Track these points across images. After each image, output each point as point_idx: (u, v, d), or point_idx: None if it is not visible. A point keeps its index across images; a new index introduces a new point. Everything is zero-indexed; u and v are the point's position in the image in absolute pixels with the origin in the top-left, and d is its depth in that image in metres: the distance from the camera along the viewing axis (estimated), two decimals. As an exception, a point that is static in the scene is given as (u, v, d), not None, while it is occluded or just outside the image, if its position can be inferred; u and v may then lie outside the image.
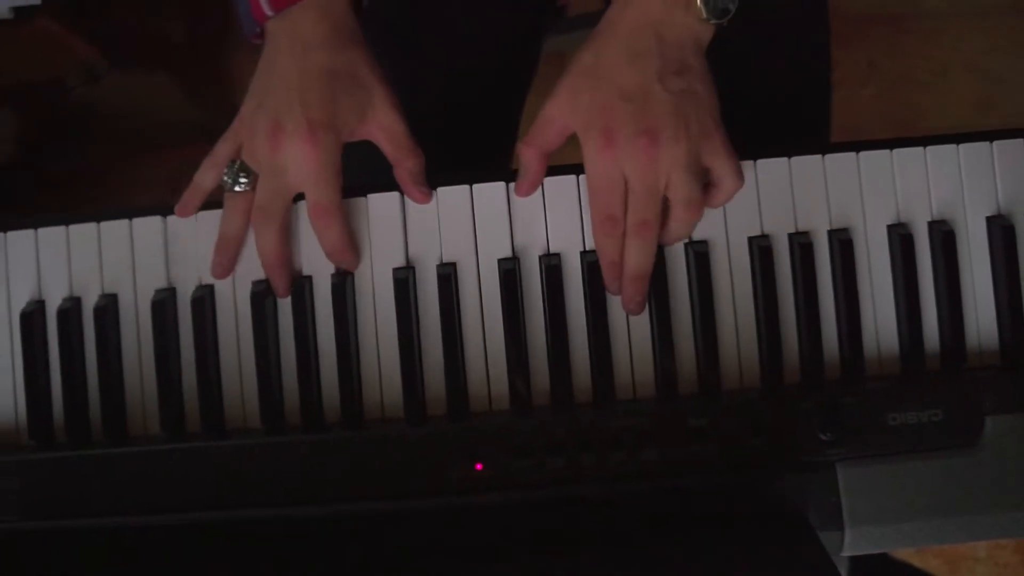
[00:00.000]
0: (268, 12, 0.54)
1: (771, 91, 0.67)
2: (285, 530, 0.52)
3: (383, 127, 0.55)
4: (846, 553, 0.51)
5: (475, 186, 0.55)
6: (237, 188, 0.54)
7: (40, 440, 0.55)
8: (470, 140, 0.74)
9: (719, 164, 0.52)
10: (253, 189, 0.54)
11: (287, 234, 0.54)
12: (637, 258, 0.52)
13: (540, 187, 0.55)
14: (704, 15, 0.51)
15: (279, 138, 0.52)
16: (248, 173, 0.54)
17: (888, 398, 0.52)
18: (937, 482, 0.51)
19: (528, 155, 0.54)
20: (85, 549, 0.52)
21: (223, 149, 0.55)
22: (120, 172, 1.10)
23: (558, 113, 0.53)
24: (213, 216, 0.56)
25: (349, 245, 0.54)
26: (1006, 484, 0.51)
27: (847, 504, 0.51)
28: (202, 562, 0.51)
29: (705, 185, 0.52)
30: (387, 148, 0.55)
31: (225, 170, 0.55)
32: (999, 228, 0.55)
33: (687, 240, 0.55)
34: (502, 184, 0.55)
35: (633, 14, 0.52)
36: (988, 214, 0.55)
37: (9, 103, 0.93)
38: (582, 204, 0.55)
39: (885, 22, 1.23)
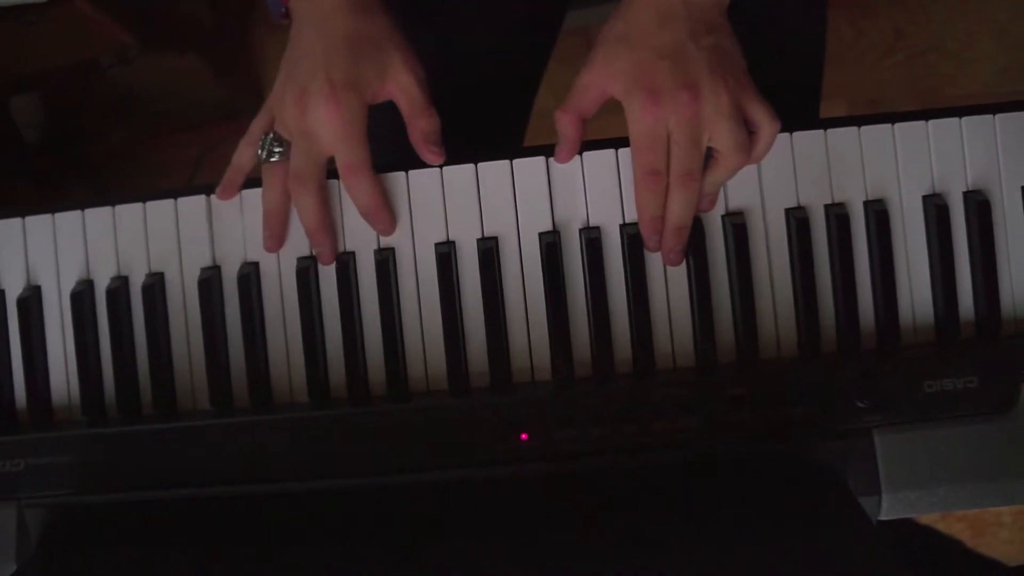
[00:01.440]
0: None
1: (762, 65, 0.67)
2: (326, 503, 0.53)
3: (401, 87, 0.56)
4: (884, 517, 0.52)
5: (515, 161, 0.56)
6: (272, 159, 0.55)
7: (92, 416, 0.56)
8: (489, 115, 0.75)
9: (756, 110, 0.53)
10: (288, 159, 0.55)
11: (325, 197, 0.55)
12: (682, 210, 0.53)
13: (580, 160, 0.55)
14: None
15: (305, 103, 0.54)
16: (281, 143, 0.55)
17: (924, 366, 0.53)
18: (972, 448, 0.52)
19: (566, 121, 0.55)
20: (139, 521, 0.53)
21: (257, 125, 0.57)
22: (151, 152, 1.11)
23: (596, 79, 0.54)
24: (255, 194, 0.57)
25: (383, 204, 0.55)
26: (1041, 448, 0.52)
27: (884, 470, 0.52)
28: (249, 533, 0.52)
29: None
30: (404, 108, 0.56)
31: (259, 144, 0.56)
32: (1033, 196, 0.55)
33: (724, 212, 0.55)
34: (542, 159, 0.56)
35: None
36: (1023, 183, 0.56)
37: (42, 85, 0.94)
38: (621, 178, 0.55)
39: (911, -9, 1.22)
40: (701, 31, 0.53)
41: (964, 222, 0.55)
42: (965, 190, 0.56)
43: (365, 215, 0.55)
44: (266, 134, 0.56)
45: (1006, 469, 0.52)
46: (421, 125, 0.55)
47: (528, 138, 0.78)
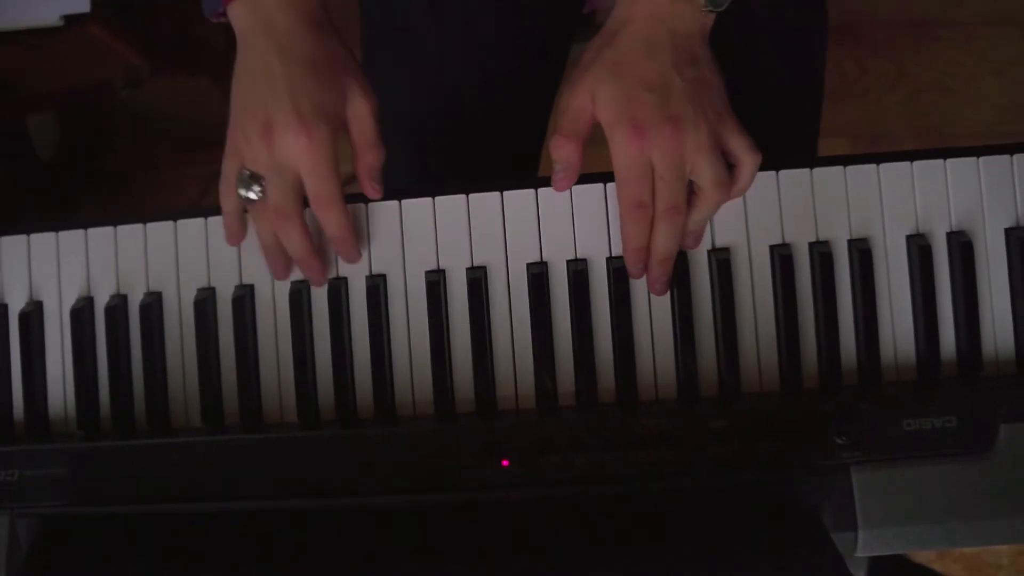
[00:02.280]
0: None
1: (762, 100, 0.68)
2: (309, 522, 0.54)
3: (357, 115, 0.55)
4: (860, 554, 0.53)
5: (506, 193, 0.57)
6: (252, 196, 0.54)
7: (88, 430, 0.58)
8: (499, 147, 0.76)
9: (736, 143, 0.53)
10: (265, 196, 0.54)
11: (306, 227, 0.55)
12: (666, 242, 0.54)
13: (570, 194, 0.57)
14: (704, 5, 0.53)
15: (272, 137, 0.53)
16: (258, 179, 0.54)
17: (903, 404, 0.53)
18: (950, 487, 0.53)
19: (569, 148, 0.55)
20: (129, 535, 0.54)
21: (228, 167, 0.56)
22: (162, 170, 1.14)
23: (586, 105, 0.54)
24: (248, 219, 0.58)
25: (351, 235, 0.55)
26: (1019, 490, 0.53)
27: (861, 506, 0.52)
28: (233, 549, 0.53)
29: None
30: (355, 137, 0.56)
31: (237, 186, 0.55)
32: (1017, 240, 0.56)
33: (711, 247, 0.56)
34: (532, 191, 0.57)
35: (642, 10, 0.54)
36: (1007, 226, 0.56)
37: (56, 105, 0.97)
38: (609, 212, 0.57)
39: (916, 29, 1.24)
40: (685, 62, 0.53)
41: (947, 262, 0.56)
42: (949, 231, 0.56)
43: (334, 243, 0.56)
44: (241, 172, 0.55)
45: (983, 509, 0.53)
46: (368, 160, 0.56)
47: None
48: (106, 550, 0.54)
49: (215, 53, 1.00)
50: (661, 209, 0.54)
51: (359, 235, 0.57)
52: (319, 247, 0.57)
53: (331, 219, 0.55)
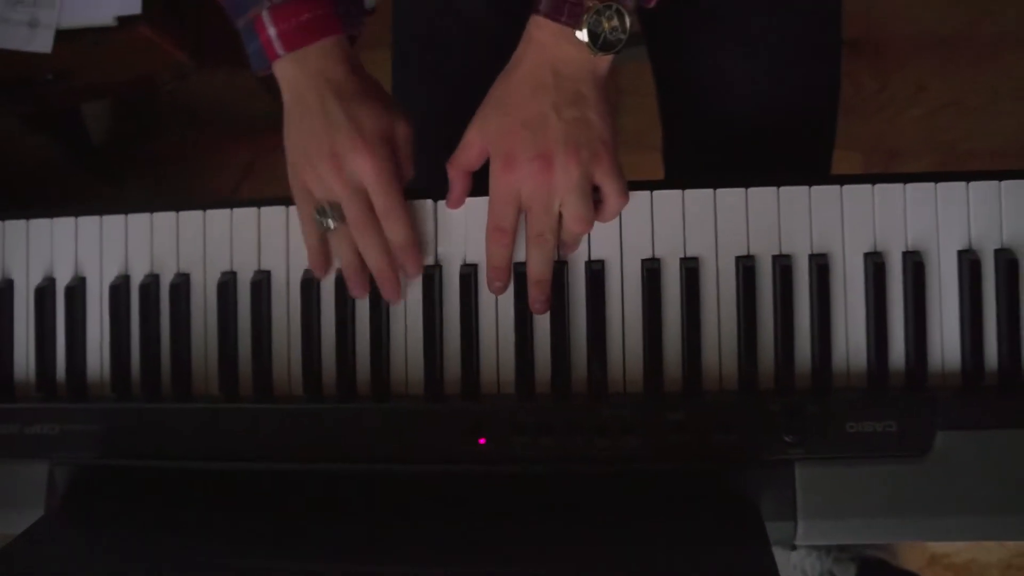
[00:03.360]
0: (280, 52, 0.59)
1: (774, 120, 0.73)
2: (309, 481, 0.61)
3: (401, 136, 0.61)
4: (800, 542, 0.58)
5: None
6: (332, 224, 0.60)
7: (120, 392, 0.65)
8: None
9: (607, 184, 0.58)
10: (344, 220, 0.60)
11: (385, 237, 0.61)
12: (537, 265, 0.59)
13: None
14: (594, 50, 0.57)
15: (338, 161, 0.59)
16: (335, 209, 0.60)
17: (848, 408, 0.58)
18: (886, 486, 0.57)
19: (453, 175, 0.61)
20: (150, 485, 0.62)
21: (302, 208, 0.62)
22: (203, 156, 1.22)
23: (475, 138, 0.60)
24: (271, 211, 0.65)
25: (415, 243, 0.61)
26: (950, 492, 0.57)
27: (801, 499, 0.57)
28: (241, 501, 0.61)
29: (597, 202, 0.59)
30: (401, 152, 0.61)
31: (315, 218, 0.61)
32: (969, 261, 0.60)
33: (682, 255, 0.62)
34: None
35: (533, 53, 0.58)
36: (960, 248, 0.61)
37: (108, 94, 1.05)
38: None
39: (937, 46, 1.26)
40: (567, 103, 0.57)
41: (901, 280, 0.61)
42: (904, 250, 0.61)
43: (398, 252, 0.61)
44: (318, 207, 0.60)
45: (917, 508, 0.57)
46: (407, 175, 0.62)
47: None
48: (129, 497, 0.61)
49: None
50: (529, 235, 0.59)
51: (422, 247, 0.62)
52: (394, 261, 0.61)
53: (397, 229, 0.60)
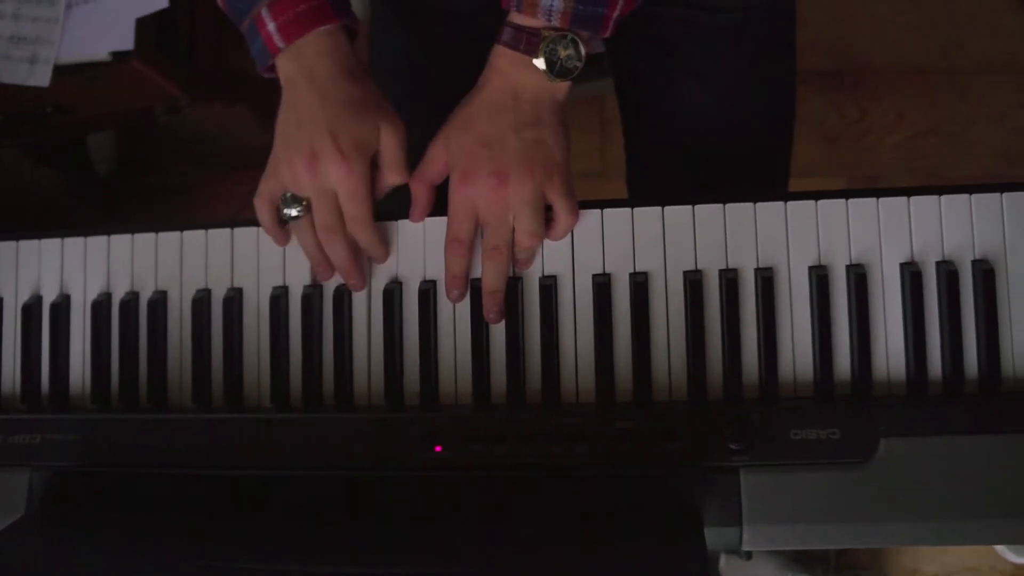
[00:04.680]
0: (280, 44, 0.63)
1: (729, 148, 0.75)
2: (276, 486, 0.63)
3: (386, 144, 0.64)
4: (746, 548, 0.59)
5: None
6: (295, 214, 0.64)
7: (100, 404, 0.68)
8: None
9: (558, 201, 0.61)
10: (308, 211, 0.64)
11: (350, 240, 0.64)
12: (491, 276, 0.62)
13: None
14: (551, 77, 0.60)
15: (316, 165, 0.62)
16: (299, 201, 0.64)
17: (792, 416, 0.60)
18: (830, 492, 0.59)
19: (417, 188, 0.64)
20: (125, 492, 0.65)
21: (265, 187, 0.65)
22: (201, 188, 1.27)
23: (438, 154, 0.63)
24: (244, 232, 0.68)
25: (382, 248, 0.65)
26: (893, 498, 0.58)
27: (747, 505, 0.59)
28: (212, 507, 0.63)
29: (549, 220, 0.62)
30: (383, 159, 0.64)
31: (280, 204, 0.64)
32: (911, 273, 0.62)
33: (632, 271, 0.64)
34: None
35: (496, 77, 0.62)
36: (902, 260, 0.63)
37: (105, 126, 1.10)
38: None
39: (916, 75, 1.29)
40: (524, 123, 0.61)
41: (845, 292, 0.63)
42: (848, 263, 0.63)
43: (365, 251, 0.65)
44: (283, 194, 0.64)
45: (860, 513, 0.58)
46: (388, 179, 0.64)
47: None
48: (105, 503, 0.64)
49: (252, 84, 1.13)
50: (485, 248, 0.62)
51: (388, 248, 0.66)
52: (359, 259, 0.65)
53: (364, 237, 0.64)
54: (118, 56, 0.94)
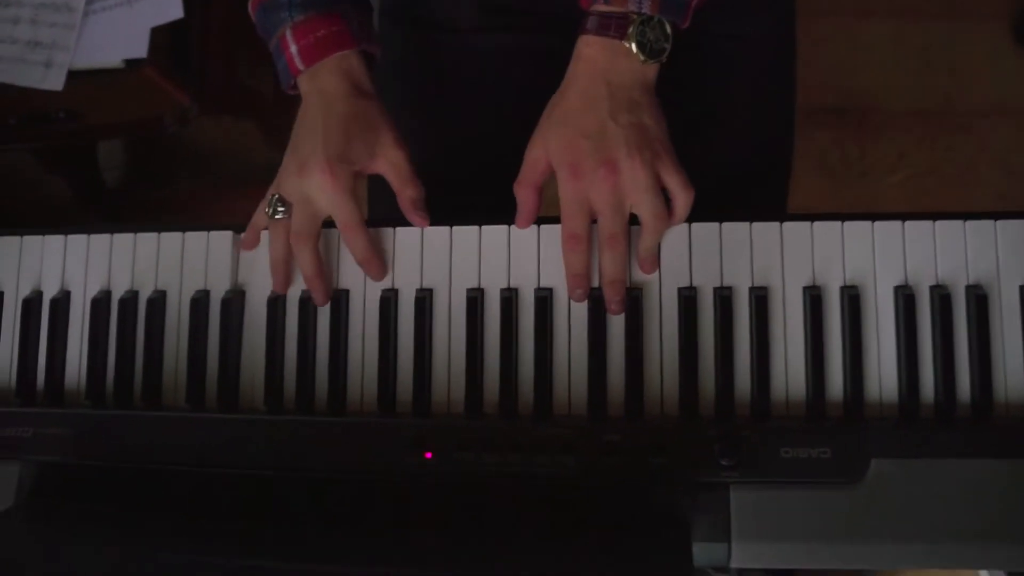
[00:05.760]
0: (300, 67, 0.67)
1: (728, 180, 0.76)
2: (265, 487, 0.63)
3: (389, 161, 0.66)
4: (734, 564, 0.59)
5: (436, 229, 0.67)
6: (277, 216, 0.66)
7: (94, 400, 0.68)
8: (504, 191, 0.86)
9: (672, 180, 0.61)
10: (290, 216, 0.66)
11: (318, 252, 0.65)
12: (610, 266, 0.62)
13: (507, 234, 0.66)
14: (642, 58, 0.61)
15: (303, 173, 0.65)
16: (284, 204, 0.66)
17: (783, 434, 0.60)
18: (819, 511, 0.58)
19: (523, 193, 0.64)
20: (111, 487, 0.64)
21: (268, 190, 0.67)
22: (205, 203, 1.28)
23: (538, 155, 0.63)
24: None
25: (374, 255, 0.65)
26: (882, 519, 0.58)
27: (736, 521, 0.58)
28: (199, 504, 0.63)
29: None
30: (392, 180, 0.66)
31: (266, 203, 0.67)
32: (904, 296, 0.62)
33: (628, 285, 0.64)
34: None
35: (584, 67, 0.63)
36: (896, 284, 0.63)
37: (114, 134, 1.12)
38: (539, 250, 0.65)
39: (920, 118, 1.30)
40: (621, 110, 0.61)
41: (839, 312, 0.63)
42: (842, 284, 0.63)
43: (360, 264, 0.66)
44: (271, 196, 0.67)
45: (849, 533, 0.58)
46: (409, 194, 0.66)
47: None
48: (93, 496, 0.64)
49: (262, 100, 1.14)
50: (602, 238, 0.62)
51: (383, 258, 0.66)
52: (324, 272, 0.66)
53: (356, 242, 0.65)
54: (131, 64, 0.96)
